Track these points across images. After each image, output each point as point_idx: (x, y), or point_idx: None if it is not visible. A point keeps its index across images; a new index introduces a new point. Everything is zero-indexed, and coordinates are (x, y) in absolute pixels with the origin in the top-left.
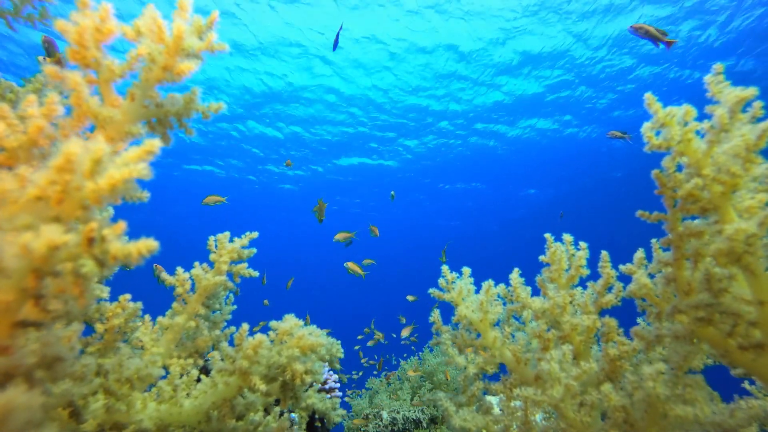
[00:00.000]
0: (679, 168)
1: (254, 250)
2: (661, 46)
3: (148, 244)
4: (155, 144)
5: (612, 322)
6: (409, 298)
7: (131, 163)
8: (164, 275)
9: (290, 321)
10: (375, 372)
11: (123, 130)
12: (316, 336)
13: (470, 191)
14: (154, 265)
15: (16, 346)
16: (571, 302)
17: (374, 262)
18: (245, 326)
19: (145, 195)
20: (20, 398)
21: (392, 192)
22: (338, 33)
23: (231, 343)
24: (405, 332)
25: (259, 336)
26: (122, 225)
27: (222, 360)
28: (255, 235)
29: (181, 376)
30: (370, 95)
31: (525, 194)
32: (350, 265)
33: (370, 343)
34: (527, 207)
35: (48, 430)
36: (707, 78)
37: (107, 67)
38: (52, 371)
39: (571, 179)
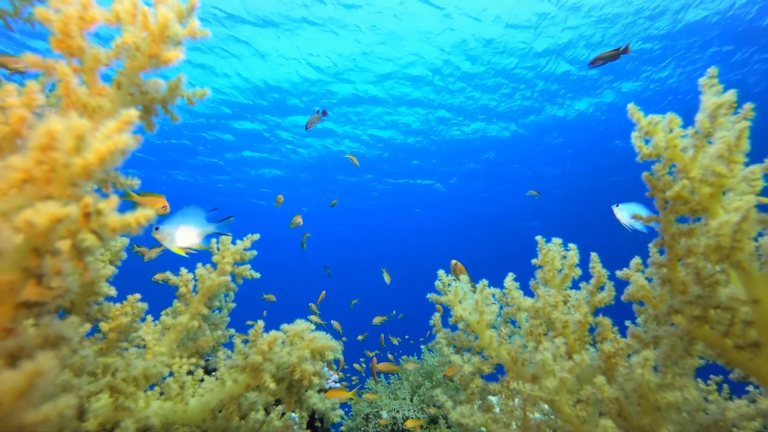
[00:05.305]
0: (671, 172)
1: (255, 252)
2: (621, 57)
3: (146, 214)
4: (132, 114)
5: (606, 321)
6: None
7: (113, 134)
8: (169, 275)
9: (300, 324)
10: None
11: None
12: (327, 339)
13: None
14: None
15: (20, 328)
16: (565, 303)
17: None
18: (261, 323)
19: (136, 183)
20: (45, 364)
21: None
22: (321, 118)
23: (230, 345)
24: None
25: (273, 332)
26: (115, 198)
27: (228, 358)
28: (257, 237)
29: (189, 374)
30: None
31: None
32: (295, 218)
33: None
34: None
35: (64, 400)
36: (701, 81)
37: (93, 55)
38: (58, 351)
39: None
